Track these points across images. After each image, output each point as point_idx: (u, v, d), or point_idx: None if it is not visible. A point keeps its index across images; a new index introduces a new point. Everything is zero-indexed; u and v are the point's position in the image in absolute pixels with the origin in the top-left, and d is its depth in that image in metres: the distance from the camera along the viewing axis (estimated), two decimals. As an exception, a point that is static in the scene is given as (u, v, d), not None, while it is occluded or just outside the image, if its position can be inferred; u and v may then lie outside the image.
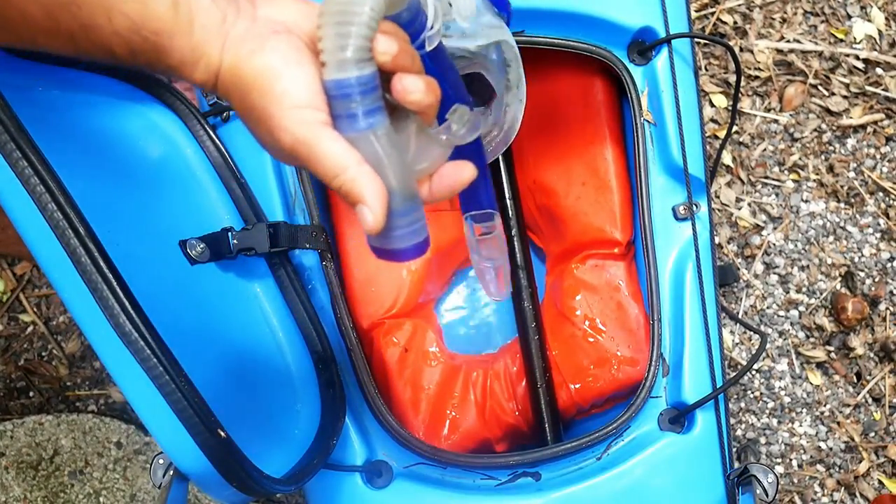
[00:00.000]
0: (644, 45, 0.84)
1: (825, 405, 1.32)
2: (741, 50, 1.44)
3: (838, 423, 1.31)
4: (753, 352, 1.32)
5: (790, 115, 1.42)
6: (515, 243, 0.97)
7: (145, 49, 0.40)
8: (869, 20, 1.45)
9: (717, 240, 1.36)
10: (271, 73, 0.40)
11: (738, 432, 1.31)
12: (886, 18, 1.45)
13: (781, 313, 1.34)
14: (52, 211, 0.49)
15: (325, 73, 0.40)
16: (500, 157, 0.99)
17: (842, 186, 1.38)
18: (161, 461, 0.67)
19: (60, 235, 0.50)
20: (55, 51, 0.41)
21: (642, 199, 0.83)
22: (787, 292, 1.35)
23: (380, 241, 0.44)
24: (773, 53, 1.44)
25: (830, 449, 1.30)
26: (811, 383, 1.32)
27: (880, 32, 1.45)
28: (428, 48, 0.48)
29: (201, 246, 0.70)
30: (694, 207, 0.84)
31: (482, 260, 0.63)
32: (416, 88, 0.41)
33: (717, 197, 1.38)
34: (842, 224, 1.37)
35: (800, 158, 1.40)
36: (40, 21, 0.39)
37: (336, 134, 0.40)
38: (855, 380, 1.32)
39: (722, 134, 1.40)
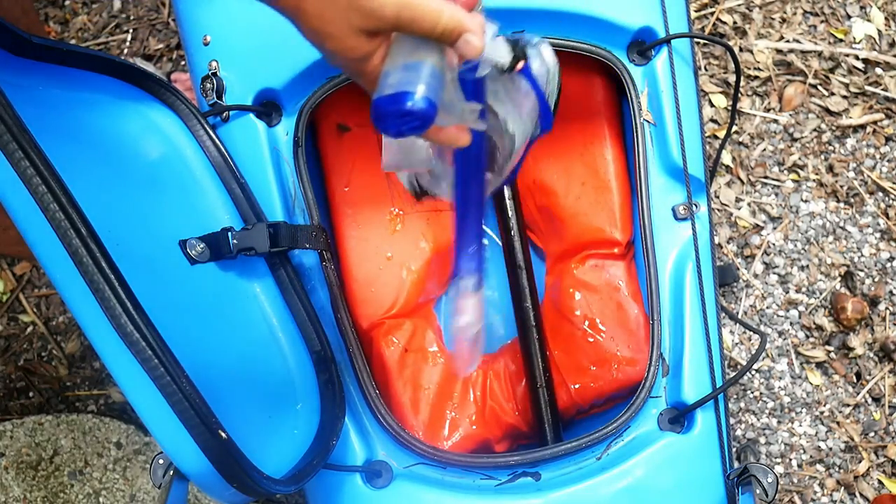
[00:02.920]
0: (644, 45, 0.84)
1: (825, 405, 1.32)
2: (741, 50, 1.44)
3: (838, 423, 1.31)
4: (753, 352, 1.32)
5: (790, 114, 1.42)
6: (515, 243, 0.97)
7: None
8: (868, 20, 1.45)
9: (716, 240, 1.36)
10: None
11: (738, 432, 1.31)
12: (886, 18, 1.45)
13: (781, 313, 1.35)
14: (53, 211, 0.49)
15: None
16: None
17: (841, 186, 1.38)
18: (161, 461, 0.67)
19: (62, 235, 0.50)
20: None
21: (642, 199, 0.83)
22: (787, 292, 1.35)
23: (400, 84, 0.45)
24: (773, 53, 1.44)
25: (830, 449, 1.30)
26: (811, 383, 1.32)
27: (880, 32, 1.45)
28: (478, 74, 0.54)
29: (201, 246, 0.70)
30: (694, 207, 0.84)
31: (461, 322, 0.65)
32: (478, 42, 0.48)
33: (717, 197, 1.38)
34: (841, 224, 1.38)
35: (799, 158, 1.40)
36: None
37: None
38: (855, 380, 1.33)
39: (722, 134, 1.40)
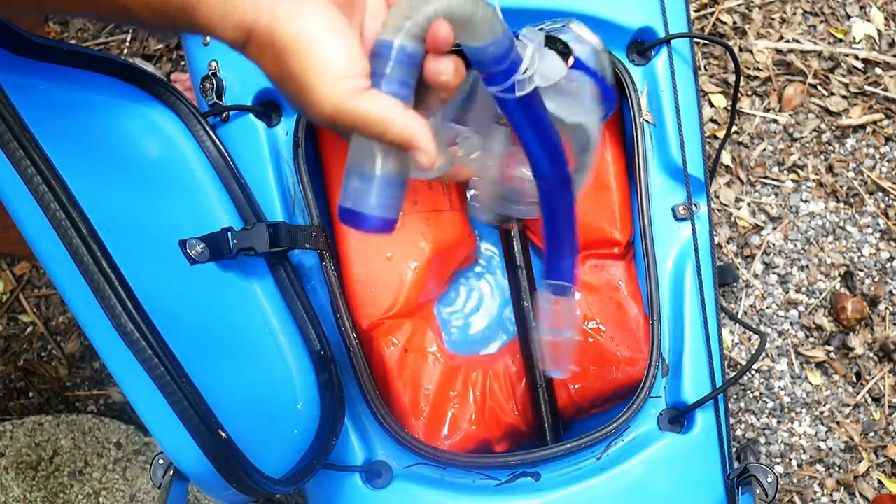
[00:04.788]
0: (643, 46, 0.84)
1: (825, 405, 1.32)
2: (740, 50, 1.44)
3: (838, 423, 1.31)
4: (753, 352, 1.32)
5: (789, 114, 1.42)
6: (515, 244, 0.97)
7: (168, 10, 0.40)
8: (868, 20, 1.45)
9: (716, 240, 1.36)
10: (309, 40, 0.40)
11: (738, 432, 1.31)
12: (886, 18, 1.46)
13: (781, 313, 1.35)
14: (54, 210, 0.49)
15: (381, 31, 0.42)
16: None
17: (841, 186, 1.38)
18: (161, 461, 0.67)
19: (63, 234, 0.50)
20: (74, 12, 0.40)
21: (642, 199, 0.83)
22: (787, 292, 1.35)
23: (355, 200, 0.43)
24: (773, 53, 1.44)
25: (830, 449, 1.30)
26: (811, 383, 1.32)
27: (879, 32, 1.45)
28: (518, 93, 0.48)
29: (201, 246, 0.70)
30: (693, 207, 0.84)
31: (551, 331, 0.62)
32: (447, 70, 0.43)
33: (717, 197, 1.38)
34: (841, 224, 1.38)
35: (799, 158, 1.40)
36: None
37: (376, 92, 0.41)
38: (854, 380, 1.33)
39: (721, 134, 1.40)
